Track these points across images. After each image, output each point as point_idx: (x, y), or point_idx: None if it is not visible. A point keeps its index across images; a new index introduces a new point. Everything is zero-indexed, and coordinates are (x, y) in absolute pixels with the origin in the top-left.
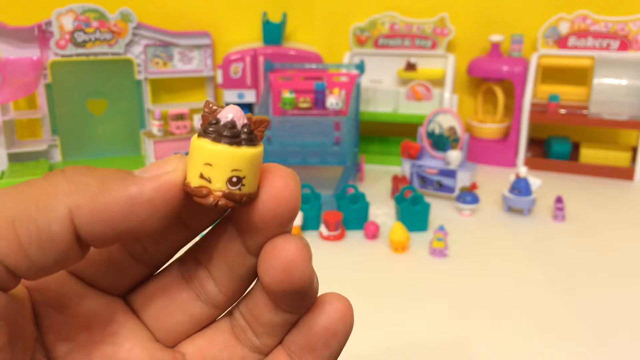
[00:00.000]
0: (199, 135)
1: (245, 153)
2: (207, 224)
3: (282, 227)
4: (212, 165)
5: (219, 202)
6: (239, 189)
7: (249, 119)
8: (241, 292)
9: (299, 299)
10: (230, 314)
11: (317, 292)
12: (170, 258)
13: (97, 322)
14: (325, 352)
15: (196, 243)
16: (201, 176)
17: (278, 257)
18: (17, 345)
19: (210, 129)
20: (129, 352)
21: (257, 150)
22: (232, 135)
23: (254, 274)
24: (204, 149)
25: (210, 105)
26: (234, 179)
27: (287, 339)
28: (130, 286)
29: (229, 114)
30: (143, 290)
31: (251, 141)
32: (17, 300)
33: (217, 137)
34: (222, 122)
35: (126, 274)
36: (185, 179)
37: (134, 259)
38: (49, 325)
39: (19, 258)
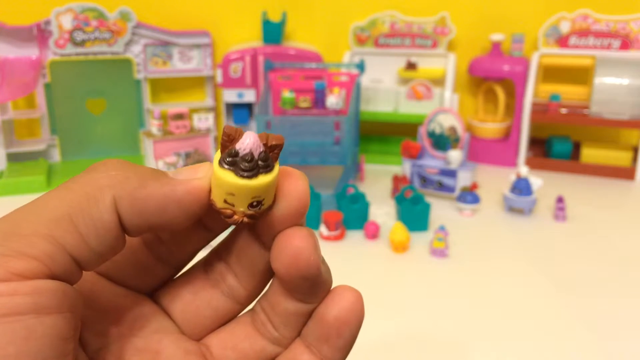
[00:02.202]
0: (220, 164)
1: (263, 182)
2: (226, 226)
3: (295, 222)
4: (235, 195)
5: (243, 221)
6: (259, 208)
7: (264, 145)
8: (261, 288)
9: (308, 286)
10: (252, 309)
11: (329, 284)
12: (192, 258)
13: (127, 317)
14: (339, 341)
15: (220, 243)
16: (225, 201)
17: (286, 245)
18: (77, 337)
19: (230, 159)
20: (158, 343)
21: (273, 175)
22: (250, 169)
23: (272, 270)
24: (226, 182)
25: (228, 133)
26: (254, 203)
27: (304, 331)
28: (156, 285)
29: (247, 145)
30: (170, 287)
31: (267, 167)
32: (78, 295)
33: (237, 171)
34: (240, 155)
35: (152, 273)
36: (210, 192)
37: (158, 260)
38: (82, 321)
39: (82, 248)
